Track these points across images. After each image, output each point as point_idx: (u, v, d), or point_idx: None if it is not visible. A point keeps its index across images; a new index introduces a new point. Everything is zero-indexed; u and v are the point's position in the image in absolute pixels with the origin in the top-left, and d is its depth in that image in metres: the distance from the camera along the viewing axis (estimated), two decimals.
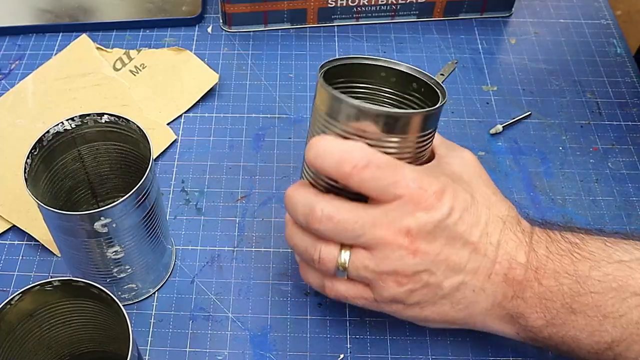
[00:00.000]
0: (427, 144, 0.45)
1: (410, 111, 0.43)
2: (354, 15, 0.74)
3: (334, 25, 0.74)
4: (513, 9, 0.75)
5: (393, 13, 0.74)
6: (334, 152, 0.42)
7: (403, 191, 0.41)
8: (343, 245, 0.43)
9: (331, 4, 0.72)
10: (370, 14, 0.74)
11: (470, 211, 0.43)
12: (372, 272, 0.43)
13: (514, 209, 0.46)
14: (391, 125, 0.42)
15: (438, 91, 0.46)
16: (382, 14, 0.74)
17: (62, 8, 0.75)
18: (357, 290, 0.45)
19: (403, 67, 0.47)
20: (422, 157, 0.45)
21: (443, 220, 0.42)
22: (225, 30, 0.74)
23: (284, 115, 0.66)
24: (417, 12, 0.74)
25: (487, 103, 0.67)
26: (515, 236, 0.44)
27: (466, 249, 0.43)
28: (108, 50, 0.70)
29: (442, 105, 0.44)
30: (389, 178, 0.41)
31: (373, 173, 0.41)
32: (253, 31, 0.74)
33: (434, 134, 0.46)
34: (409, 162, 0.44)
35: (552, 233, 0.45)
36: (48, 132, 0.47)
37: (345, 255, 0.43)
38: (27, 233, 0.56)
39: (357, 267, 0.43)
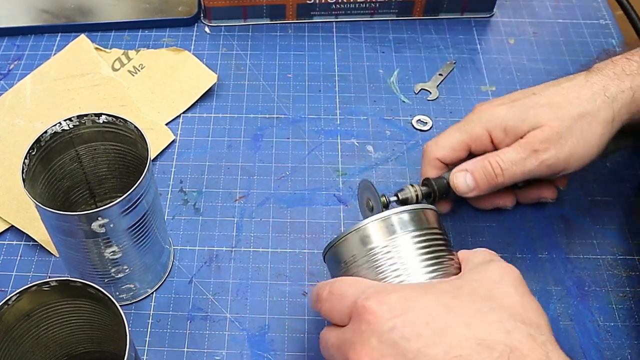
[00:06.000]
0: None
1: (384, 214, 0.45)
2: (333, 12, 0.73)
3: (332, 25, 0.74)
4: (495, 10, 0.75)
5: (372, 11, 0.74)
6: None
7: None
8: None
9: (309, 1, 0.72)
10: (349, 12, 0.73)
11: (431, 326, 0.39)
12: None
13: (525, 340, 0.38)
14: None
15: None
16: (362, 11, 0.73)
17: (61, 8, 0.75)
18: None
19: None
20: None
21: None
22: (207, 24, 0.74)
23: (283, 116, 0.66)
24: (396, 10, 0.74)
25: None
26: None
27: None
28: (107, 50, 0.70)
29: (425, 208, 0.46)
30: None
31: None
32: (252, 32, 0.74)
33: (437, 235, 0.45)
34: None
35: None
36: (46, 132, 0.47)
37: None
38: (25, 233, 0.56)
39: None
